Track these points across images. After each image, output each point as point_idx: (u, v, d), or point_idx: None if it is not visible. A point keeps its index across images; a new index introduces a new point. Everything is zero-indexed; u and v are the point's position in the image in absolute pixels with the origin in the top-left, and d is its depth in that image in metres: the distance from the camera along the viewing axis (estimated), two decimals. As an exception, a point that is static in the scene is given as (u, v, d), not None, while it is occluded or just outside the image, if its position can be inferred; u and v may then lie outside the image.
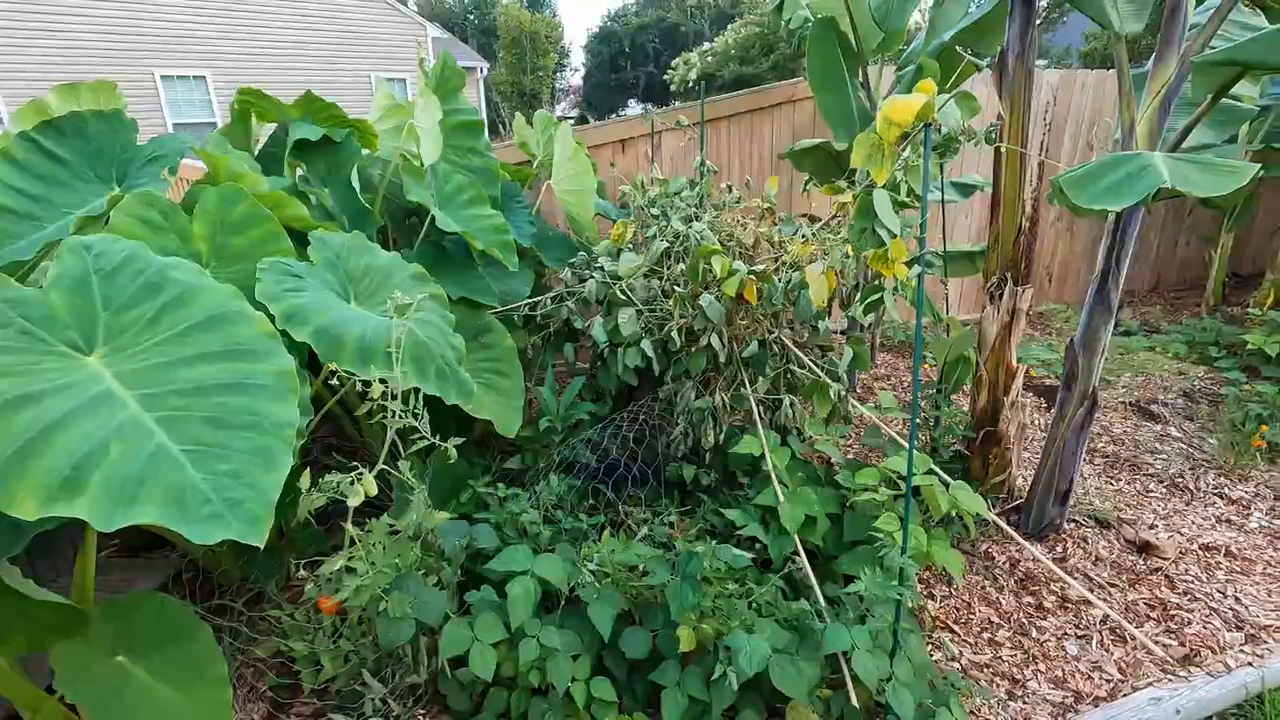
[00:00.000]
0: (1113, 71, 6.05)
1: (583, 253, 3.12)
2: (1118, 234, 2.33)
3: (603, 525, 2.66)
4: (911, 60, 4.20)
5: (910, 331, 4.93)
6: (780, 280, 2.64)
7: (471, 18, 33.25)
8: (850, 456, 3.61)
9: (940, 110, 1.70)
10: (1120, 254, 2.39)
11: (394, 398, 1.67)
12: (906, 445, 2.64)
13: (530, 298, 3.14)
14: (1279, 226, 6.22)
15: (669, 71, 26.00)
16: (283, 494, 1.29)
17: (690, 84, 24.52)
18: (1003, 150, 2.70)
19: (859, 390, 4.60)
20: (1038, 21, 2.52)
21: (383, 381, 1.69)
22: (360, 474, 1.56)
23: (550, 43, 15.89)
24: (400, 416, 1.60)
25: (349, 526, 1.64)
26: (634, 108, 32.24)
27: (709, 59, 26.01)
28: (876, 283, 2.33)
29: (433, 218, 2.73)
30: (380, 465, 1.60)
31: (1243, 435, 3.55)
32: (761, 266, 2.59)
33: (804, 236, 2.56)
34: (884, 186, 2.13)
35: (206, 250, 1.99)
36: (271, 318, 1.77)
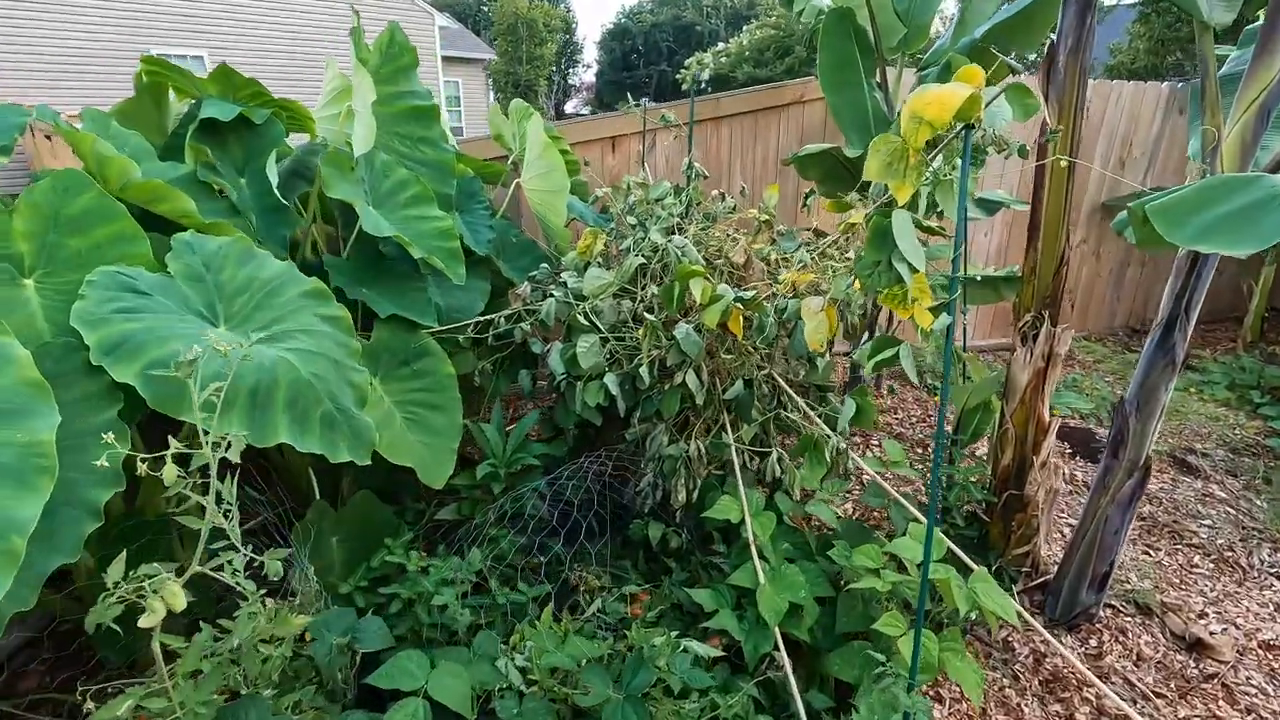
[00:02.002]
0: (1151, 84, 5.58)
1: (546, 265, 2.67)
2: (1192, 275, 1.88)
3: (547, 597, 2.22)
4: (935, 61, 3.75)
5: (933, 364, 4.48)
6: (773, 308, 2.19)
7: (485, 9, 32.79)
8: (853, 514, 3.15)
9: (987, 107, 1.25)
10: (1192, 299, 1.94)
11: (228, 469, 1.21)
12: (915, 511, 2.19)
13: (485, 314, 2.69)
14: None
15: (681, 70, 25.53)
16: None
17: (702, 84, 24.05)
18: (1048, 164, 2.25)
19: (862, 424, 4.14)
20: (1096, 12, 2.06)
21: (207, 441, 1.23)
22: (166, 578, 1.11)
23: (549, 32, 15.38)
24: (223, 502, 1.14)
25: (155, 645, 1.19)
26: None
27: (723, 59, 25.52)
28: (893, 331, 1.88)
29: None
30: (195, 568, 1.16)
31: (1303, 503, 3.09)
32: (751, 293, 2.14)
33: (803, 261, 2.11)
34: (905, 205, 1.68)
35: (30, 252, 1.55)
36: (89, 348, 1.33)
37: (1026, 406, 2.46)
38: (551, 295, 2.44)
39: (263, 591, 1.37)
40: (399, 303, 2.36)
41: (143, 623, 1.08)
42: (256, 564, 1.24)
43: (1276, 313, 6.23)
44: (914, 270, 1.33)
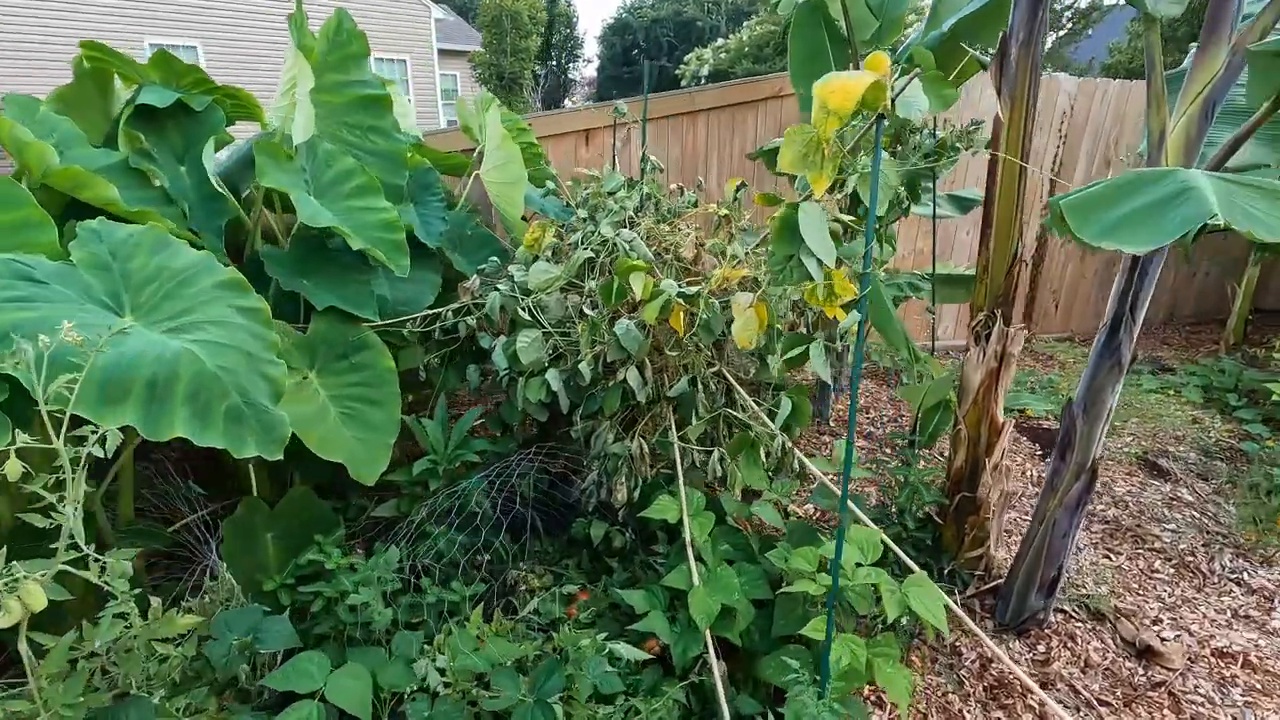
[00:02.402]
0: (1139, 82, 5.51)
1: (496, 259, 2.62)
2: (1134, 274, 1.83)
3: (482, 597, 2.18)
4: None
5: (897, 355, 4.43)
6: (719, 304, 2.14)
7: None
8: (814, 515, 3.11)
9: (899, 96, 1.20)
10: (1137, 297, 1.89)
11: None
12: (861, 513, 2.15)
13: (435, 308, 2.64)
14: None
15: (680, 66, 25.40)
16: None
17: (702, 79, 23.91)
18: (999, 160, 2.20)
19: (832, 423, 4.11)
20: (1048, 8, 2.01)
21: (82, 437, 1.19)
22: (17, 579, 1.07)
23: (535, 25, 15.23)
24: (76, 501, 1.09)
25: (21, 646, 1.15)
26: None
27: (722, 55, 25.37)
28: (806, 327, 1.83)
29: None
30: (59, 566, 1.12)
31: (1267, 508, 3.04)
32: (695, 289, 2.10)
33: (737, 257, 2.06)
34: (827, 197, 1.63)
35: (-78, 240, 1.51)
36: (-27, 338, 1.29)
37: (979, 407, 2.41)
38: (496, 289, 2.40)
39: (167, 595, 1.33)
40: (339, 295, 2.32)
41: (0, 623, 1.04)
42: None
43: (1260, 313, 6.18)
44: (823, 265, 1.28)
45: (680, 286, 2.10)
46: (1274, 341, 4.98)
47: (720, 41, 26.35)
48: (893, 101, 1.20)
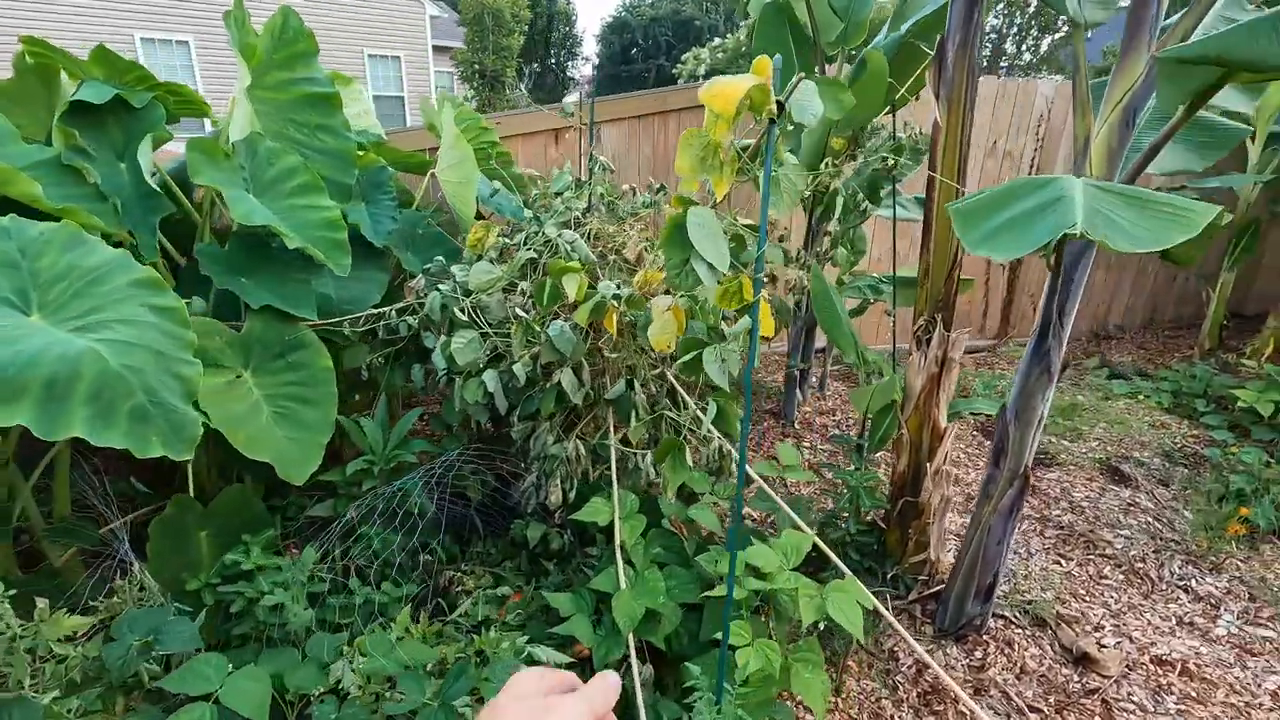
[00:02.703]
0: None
1: (441, 258, 2.61)
2: (1058, 280, 1.81)
3: (414, 598, 2.17)
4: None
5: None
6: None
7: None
8: (766, 519, 3.10)
9: (793, 100, 1.19)
10: (1065, 303, 1.88)
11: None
12: (797, 518, 2.14)
13: (382, 306, 2.63)
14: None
15: (678, 65, 25.38)
16: None
17: (698, 79, 23.90)
18: (938, 165, 2.19)
19: (797, 426, 4.10)
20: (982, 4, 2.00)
21: None
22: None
23: (517, 23, 15.16)
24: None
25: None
26: (643, 100, 31.57)
27: (719, 55, 25.35)
28: (711, 328, 1.82)
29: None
30: None
31: (1220, 515, 3.03)
32: (627, 291, 2.09)
33: (659, 261, 2.05)
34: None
35: None
36: None
37: (921, 412, 2.40)
38: (437, 289, 2.39)
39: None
40: (278, 293, 2.31)
41: None
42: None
43: (1239, 318, 6.17)
44: (714, 270, 1.27)
45: (617, 288, 2.09)
46: (1245, 348, 4.98)
47: (717, 41, 26.32)
48: (779, 105, 1.19)
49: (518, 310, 2.15)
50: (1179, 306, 6.47)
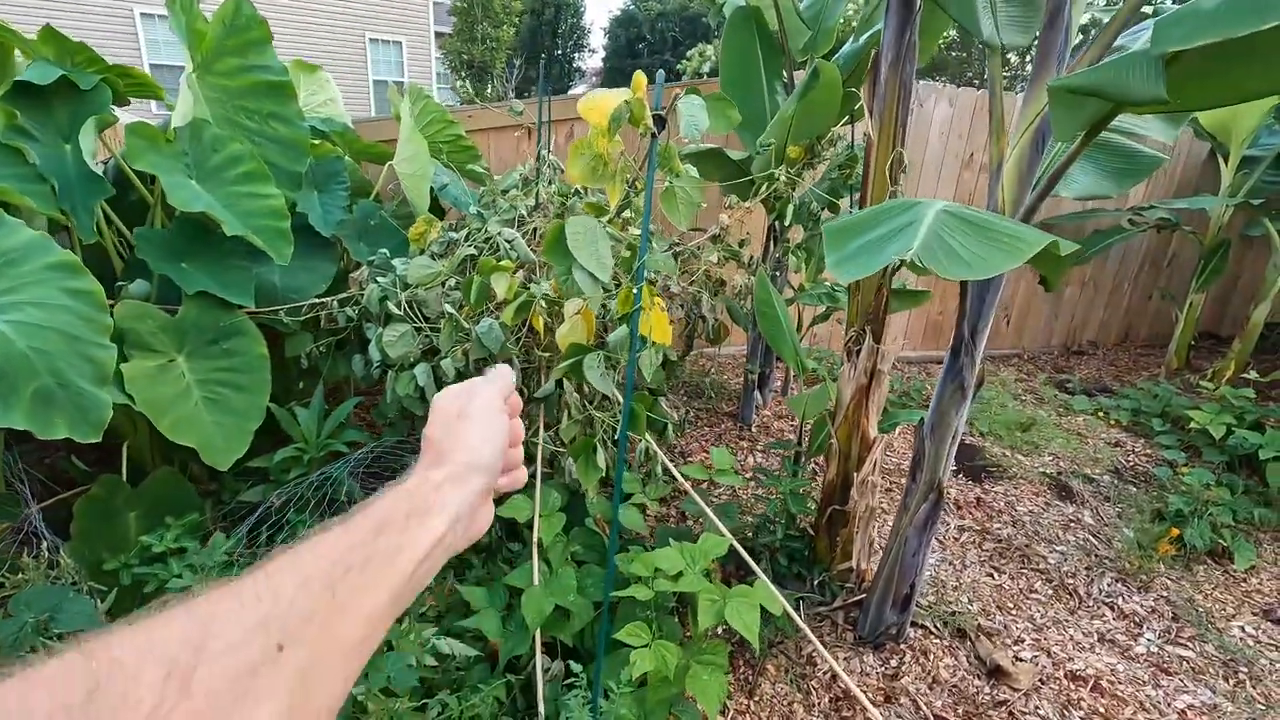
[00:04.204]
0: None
1: (385, 251, 2.63)
2: (966, 299, 1.84)
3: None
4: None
5: (831, 363, 4.44)
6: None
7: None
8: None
9: (680, 114, 1.22)
10: (977, 323, 1.91)
11: None
12: (720, 524, 2.17)
13: (328, 295, 2.66)
14: None
15: (683, 61, 25.32)
16: None
17: (704, 76, 23.85)
18: (871, 178, 2.22)
19: (754, 429, 4.13)
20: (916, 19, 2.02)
21: None
22: None
23: (507, 14, 15.11)
24: None
25: None
26: (647, 96, 31.42)
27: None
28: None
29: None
30: None
31: (1152, 534, 3.07)
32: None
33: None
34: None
35: None
36: None
37: (850, 422, 2.43)
38: (376, 281, 2.41)
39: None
40: (217, 280, 2.33)
41: None
42: None
43: (1213, 339, 6.21)
44: (596, 279, 1.30)
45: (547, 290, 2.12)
46: (1207, 369, 5.01)
47: (723, 39, 26.19)
48: (661, 118, 1.22)
49: (447, 307, 2.17)
50: (1153, 326, 6.50)
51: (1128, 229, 5.20)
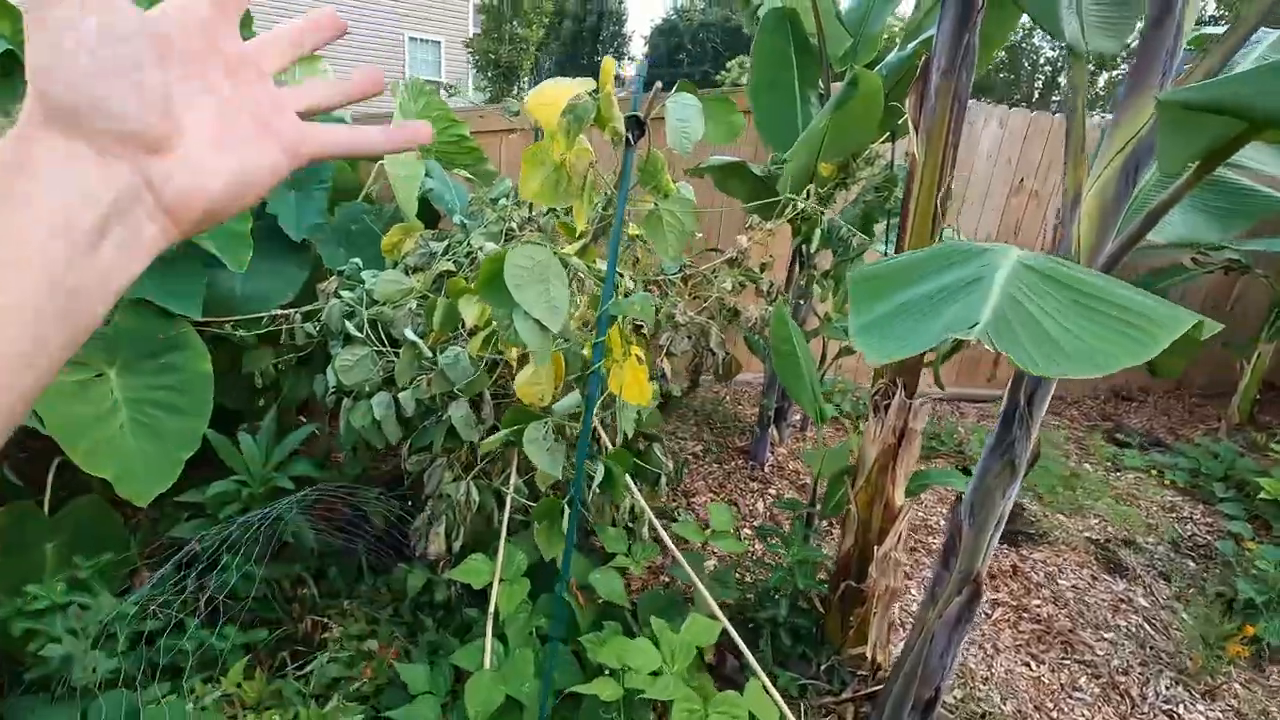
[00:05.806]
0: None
1: (356, 261, 2.36)
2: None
3: (263, 643, 1.92)
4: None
5: (859, 397, 4.08)
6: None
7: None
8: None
9: (669, 117, 0.90)
10: (1036, 389, 1.55)
11: None
12: (709, 596, 1.84)
13: (294, 305, 2.39)
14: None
15: (722, 72, 25.07)
16: None
17: (739, 87, 23.52)
18: (913, 205, 1.88)
19: (767, 470, 3.78)
20: (977, 22, 1.68)
21: None
22: None
23: (537, 14, 14.90)
24: None
25: None
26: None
27: (765, 65, 24.96)
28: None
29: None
30: None
31: (1219, 630, 2.65)
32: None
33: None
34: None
35: None
36: None
37: (872, 486, 2.09)
38: (338, 296, 2.13)
39: None
40: (159, 286, 2.07)
41: None
42: None
43: (1275, 391, 5.68)
44: (545, 329, 0.99)
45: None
46: (1275, 426, 4.53)
47: (764, 51, 25.92)
48: (639, 120, 0.91)
49: (408, 332, 1.87)
50: (1212, 372, 5.99)
51: (1191, 269, 4.74)
